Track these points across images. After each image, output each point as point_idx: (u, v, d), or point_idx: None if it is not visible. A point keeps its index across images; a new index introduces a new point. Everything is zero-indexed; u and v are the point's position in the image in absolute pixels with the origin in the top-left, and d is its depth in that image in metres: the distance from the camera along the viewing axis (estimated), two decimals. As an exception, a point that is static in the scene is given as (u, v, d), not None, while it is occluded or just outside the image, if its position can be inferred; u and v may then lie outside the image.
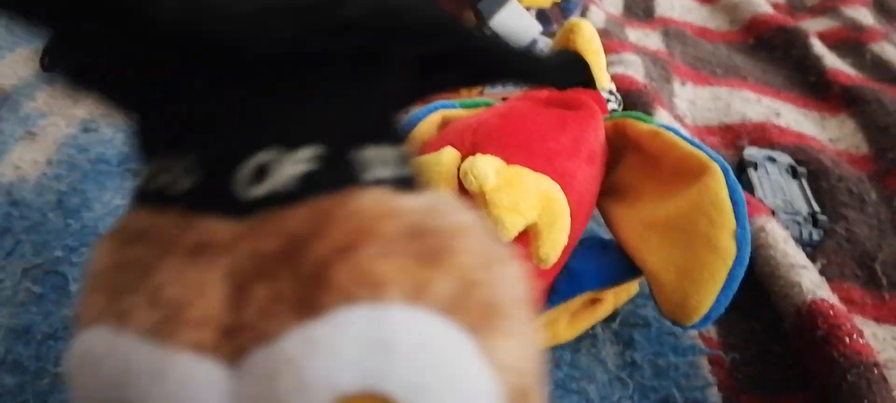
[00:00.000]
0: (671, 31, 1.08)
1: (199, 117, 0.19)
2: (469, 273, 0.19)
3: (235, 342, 0.17)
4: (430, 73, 0.22)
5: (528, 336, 0.20)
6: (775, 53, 1.03)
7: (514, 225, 0.40)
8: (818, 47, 1.00)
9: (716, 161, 0.45)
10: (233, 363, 0.17)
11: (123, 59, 0.20)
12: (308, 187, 0.19)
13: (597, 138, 0.50)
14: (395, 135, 0.21)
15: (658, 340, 0.52)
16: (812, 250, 0.63)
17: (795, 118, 0.85)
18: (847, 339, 0.46)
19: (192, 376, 0.17)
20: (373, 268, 0.17)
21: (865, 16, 1.17)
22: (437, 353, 0.18)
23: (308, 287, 0.17)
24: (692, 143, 0.47)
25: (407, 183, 0.20)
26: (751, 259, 0.55)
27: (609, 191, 0.51)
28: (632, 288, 0.54)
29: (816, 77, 0.94)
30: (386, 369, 0.17)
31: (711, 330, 0.54)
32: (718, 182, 0.44)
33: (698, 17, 1.18)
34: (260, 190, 0.18)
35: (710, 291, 0.42)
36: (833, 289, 0.58)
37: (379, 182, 0.19)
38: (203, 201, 0.19)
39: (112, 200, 0.58)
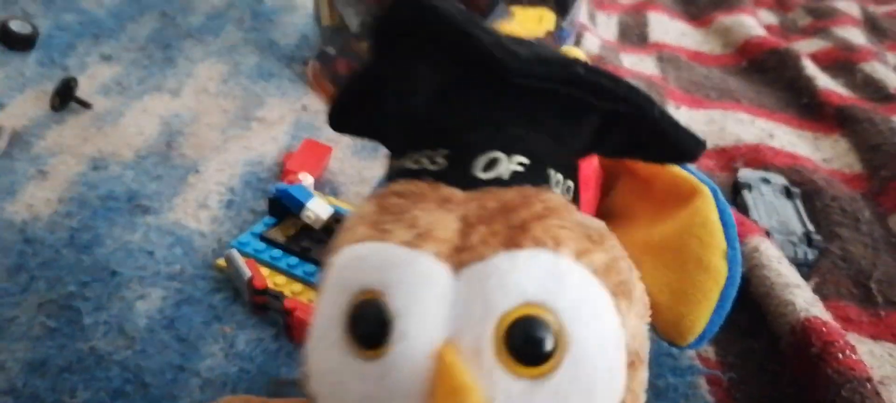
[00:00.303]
0: (665, 56, 1.10)
1: (451, 125, 0.30)
2: (616, 257, 0.29)
3: (461, 256, 0.26)
4: (605, 133, 0.31)
5: (644, 317, 0.30)
6: (768, 75, 1.05)
7: None
8: (810, 68, 1.02)
9: (706, 183, 0.46)
10: (458, 269, 0.26)
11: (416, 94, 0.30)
12: (518, 179, 0.29)
13: (590, 164, 0.52)
14: (570, 170, 0.31)
15: (657, 362, 0.53)
16: (807, 269, 0.64)
17: (789, 139, 0.86)
18: (840, 355, 0.48)
19: (431, 271, 0.26)
20: (556, 232, 0.27)
21: (856, 35, 1.19)
22: (589, 294, 0.26)
23: (513, 232, 0.26)
24: (683, 167, 0.49)
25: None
26: (746, 279, 0.57)
27: (605, 216, 0.52)
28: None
29: (809, 98, 0.96)
30: (557, 291, 0.25)
31: (709, 351, 0.55)
32: (708, 204, 0.45)
33: (692, 41, 1.20)
34: (488, 175, 0.28)
35: (703, 311, 0.43)
36: (829, 308, 0.60)
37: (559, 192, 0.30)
38: (449, 176, 0.29)
39: (122, 236, 0.60)
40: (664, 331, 0.45)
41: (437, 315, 0.25)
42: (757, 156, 0.80)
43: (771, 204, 0.69)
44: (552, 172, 0.30)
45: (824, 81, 0.99)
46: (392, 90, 0.31)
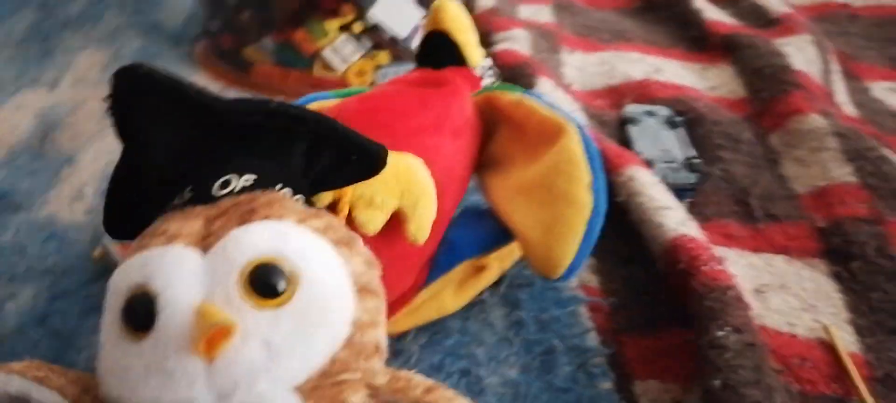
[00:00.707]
0: (562, 4, 1.10)
1: (190, 167, 0.36)
2: (332, 223, 0.36)
3: (206, 241, 0.32)
4: (314, 156, 0.38)
5: (368, 261, 0.36)
6: (660, 13, 1.07)
7: (373, 222, 0.42)
8: (699, 2, 1.04)
9: (571, 121, 0.47)
10: (205, 252, 0.32)
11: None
12: (248, 191, 0.35)
13: (462, 113, 0.52)
14: (299, 187, 0.37)
15: (542, 296, 0.54)
16: (691, 193, 0.66)
17: (676, 72, 0.88)
18: (704, 268, 0.49)
19: (183, 255, 0.32)
20: (280, 210, 0.34)
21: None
22: (311, 243, 0.33)
23: (244, 215, 0.33)
24: (551, 107, 0.49)
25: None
26: (623, 208, 0.59)
27: (485, 164, 0.53)
28: (515, 252, 0.56)
29: (697, 30, 0.98)
30: (283, 243, 0.32)
31: (592, 280, 0.56)
32: (573, 140, 0.46)
33: (588, -14, 1.21)
34: (223, 192, 0.35)
35: (571, 243, 0.44)
36: (711, 227, 0.62)
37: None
38: (194, 201, 0.35)
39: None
40: (537, 266, 0.46)
41: (192, 284, 0.31)
42: (644, 92, 0.82)
43: (654, 135, 0.71)
44: (279, 186, 0.36)
45: (711, 13, 1.01)
46: (138, 157, 0.37)
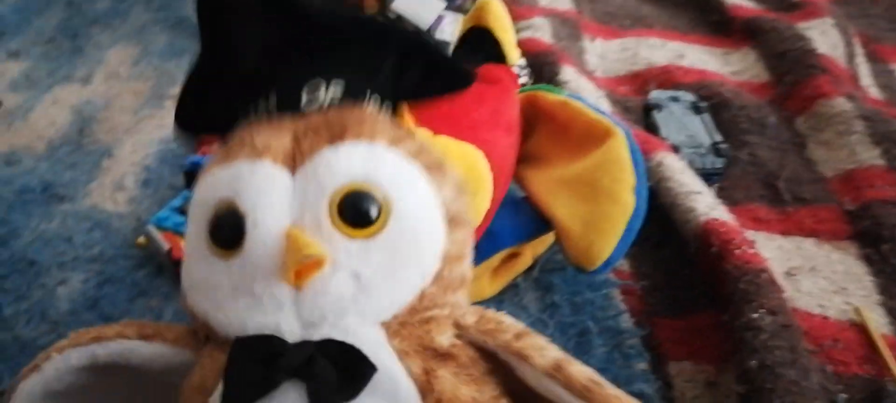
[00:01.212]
0: (582, -9, 1.11)
1: (277, 72, 0.35)
2: (424, 146, 0.34)
3: (296, 160, 0.32)
4: (404, 70, 0.38)
5: (458, 187, 0.35)
6: (681, -2, 1.07)
7: None
8: (720, -14, 1.04)
9: (619, 126, 0.49)
10: (293, 172, 0.32)
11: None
12: (337, 103, 0.34)
13: (513, 109, 0.53)
14: (386, 96, 0.37)
15: (574, 280, 0.55)
16: (718, 178, 0.67)
17: (700, 57, 0.89)
18: (737, 251, 0.50)
19: (272, 173, 0.31)
20: (371, 128, 0.33)
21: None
22: (403, 169, 0.32)
23: (335, 132, 0.32)
24: (598, 111, 0.51)
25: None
26: (653, 193, 0.59)
27: (524, 159, 0.55)
28: (548, 239, 0.57)
29: (719, 15, 0.98)
30: (375, 169, 0.32)
31: (624, 264, 0.57)
32: (621, 143, 0.48)
33: (608, -27, 1.21)
34: (312, 104, 0.34)
35: (610, 239, 0.46)
36: (740, 211, 0.62)
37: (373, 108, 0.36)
38: (281, 109, 0.34)
39: (39, 226, 0.60)
40: (575, 258, 0.47)
41: (280, 206, 0.31)
42: (668, 77, 0.82)
43: (679, 121, 0.72)
44: (367, 94, 0.35)
45: (734, -2, 1.01)
46: (224, 56, 0.36)
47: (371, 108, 0.35)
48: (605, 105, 0.76)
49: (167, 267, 0.55)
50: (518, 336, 0.32)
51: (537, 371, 0.30)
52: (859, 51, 0.89)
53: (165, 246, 0.54)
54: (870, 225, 0.59)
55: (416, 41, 0.37)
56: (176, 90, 0.79)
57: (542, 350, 0.31)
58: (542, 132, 0.54)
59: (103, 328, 0.34)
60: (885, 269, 0.56)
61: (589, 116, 0.50)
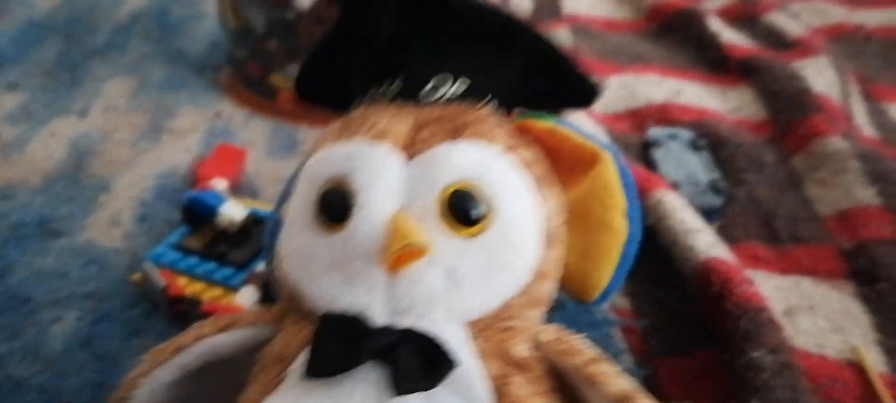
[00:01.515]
0: (579, 27, 1.12)
1: (406, 59, 0.36)
2: (538, 157, 0.36)
3: (413, 148, 0.33)
4: (528, 75, 0.38)
5: (559, 205, 0.36)
6: (677, 35, 1.08)
7: None
8: (715, 24, 1.05)
9: (606, 149, 0.48)
10: (409, 159, 0.32)
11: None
12: (460, 97, 0.35)
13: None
14: (504, 101, 0.37)
15: (574, 319, 0.55)
16: (716, 216, 0.67)
17: (697, 94, 0.89)
18: (737, 290, 0.50)
19: (387, 157, 0.32)
20: (489, 131, 0.33)
21: (759, -10, 1.23)
22: (514, 177, 0.33)
23: (455, 129, 0.33)
24: (585, 135, 0.51)
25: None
26: (653, 231, 0.59)
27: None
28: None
29: (715, 53, 0.99)
30: (488, 171, 0.32)
31: (624, 302, 0.57)
32: (609, 168, 0.47)
33: (604, 10, 1.22)
34: (436, 94, 0.35)
35: (607, 268, 0.45)
36: (738, 249, 0.62)
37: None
38: (404, 96, 0.35)
39: (34, 261, 0.59)
40: (572, 291, 0.47)
41: (391, 190, 0.31)
42: (666, 114, 0.83)
43: (678, 159, 0.72)
44: (488, 96, 0.36)
45: (729, 35, 1.02)
46: (359, 34, 0.37)
47: (490, 110, 0.36)
48: (604, 139, 0.76)
49: (162, 305, 0.54)
50: (592, 360, 0.32)
51: (606, 398, 0.30)
52: (854, 90, 0.90)
53: (161, 283, 0.53)
54: (866, 264, 0.59)
55: (547, 48, 0.37)
56: (174, 124, 0.80)
57: (614, 378, 0.31)
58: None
59: (180, 336, 0.35)
60: (882, 308, 0.56)
61: (576, 141, 0.50)
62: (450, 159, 0.32)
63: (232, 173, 0.69)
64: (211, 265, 0.57)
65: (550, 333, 0.33)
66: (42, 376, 0.49)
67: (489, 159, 0.33)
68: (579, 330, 0.53)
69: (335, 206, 0.32)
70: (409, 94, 0.35)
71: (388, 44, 0.36)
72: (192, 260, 0.57)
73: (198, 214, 0.60)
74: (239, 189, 0.69)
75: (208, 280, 0.56)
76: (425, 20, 0.36)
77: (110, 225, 0.64)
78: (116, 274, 0.58)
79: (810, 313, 0.56)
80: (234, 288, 0.55)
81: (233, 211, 0.59)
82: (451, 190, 0.31)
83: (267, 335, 0.34)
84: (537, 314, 0.34)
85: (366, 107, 0.35)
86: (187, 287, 0.55)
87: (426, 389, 0.28)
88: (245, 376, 0.34)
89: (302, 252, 0.32)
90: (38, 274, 0.58)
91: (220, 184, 0.64)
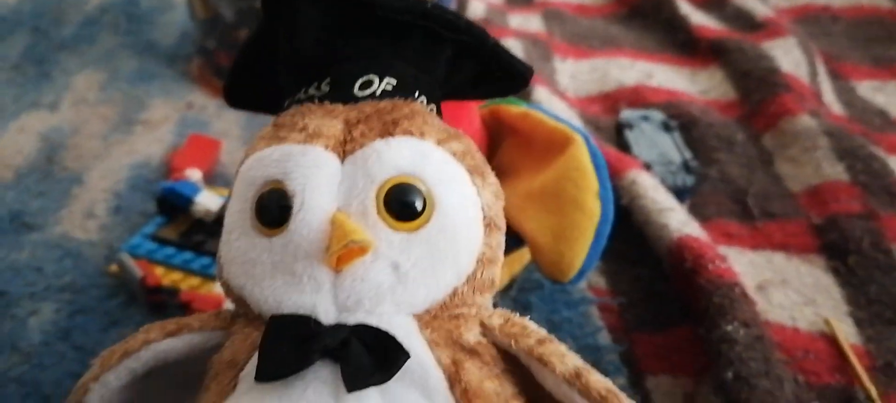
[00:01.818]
0: (550, 13, 1.13)
1: (333, 59, 0.36)
2: (470, 147, 0.35)
3: (346, 147, 0.33)
4: (457, 63, 0.38)
5: (497, 193, 0.36)
6: (647, 19, 1.09)
7: None
8: (684, 7, 1.06)
9: (578, 131, 0.49)
10: (343, 157, 0.32)
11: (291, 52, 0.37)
12: (389, 96, 0.35)
13: (470, 125, 0.53)
14: (433, 96, 0.37)
15: (552, 298, 0.55)
16: (689, 194, 0.68)
17: (668, 76, 0.90)
18: (710, 266, 0.51)
19: (322, 157, 0.32)
20: (421, 126, 0.34)
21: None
22: (449, 169, 0.33)
23: (386, 126, 0.33)
24: (557, 119, 0.51)
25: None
26: (627, 210, 0.60)
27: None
28: (524, 256, 0.58)
29: (685, 35, 1.00)
30: (423, 165, 0.32)
31: (600, 282, 0.58)
32: (581, 150, 0.48)
33: (575, -5, 1.23)
34: (364, 93, 0.35)
35: (580, 248, 0.46)
36: (710, 227, 0.63)
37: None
38: (333, 97, 0.35)
39: (8, 255, 0.59)
40: (548, 271, 0.47)
41: (328, 190, 0.31)
42: (638, 97, 0.84)
43: (651, 140, 0.73)
44: (417, 93, 0.36)
45: (698, 18, 1.04)
46: (282, 37, 0.37)
47: (421, 104, 0.36)
48: (578, 123, 0.77)
49: (140, 295, 0.54)
50: (541, 341, 0.32)
51: (557, 377, 0.31)
52: (822, 69, 0.91)
53: (138, 273, 0.53)
54: (836, 238, 0.61)
55: (478, 35, 0.37)
56: (146, 115, 0.79)
57: (563, 357, 0.31)
58: (507, 145, 0.54)
59: (127, 341, 0.34)
60: (852, 281, 0.57)
61: (548, 125, 0.50)
62: (384, 155, 0.32)
63: (206, 163, 0.68)
64: (188, 254, 0.57)
65: (498, 317, 0.33)
66: (21, 368, 0.49)
67: (423, 153, 0.33)
68: (557, 311, 0.55)
69: (273, 209, 0.32)
70: (340, 95, 0.35)
71: (314, 45, 0.36)
72: (169, 251, 0.57)
73: (173, 204, 0.60)
74: (213, 179, 0.69)
75: (186, 269, 0.55)
76: (349, 18, 0.36)
77: (85, 217, 0.63)
78: (92, 266, 0.58)
79: (783, 287, 0.58)
80: (212, 277, 0.55)
81: (208, 201, 0.59)
82: (389, 185, 0.32)
83: (217, 339, 0.34)
84: (484, 299, 0.34)
85: (295, 110, 0.35)
86: (165, 277, 0.54)
87: (380, 382, 0.28)
88: (196, 377, 0.34)
89: (243, 257, 0.32)
90: (13, 269, 0.57)
91: (194, 174, 0.64)
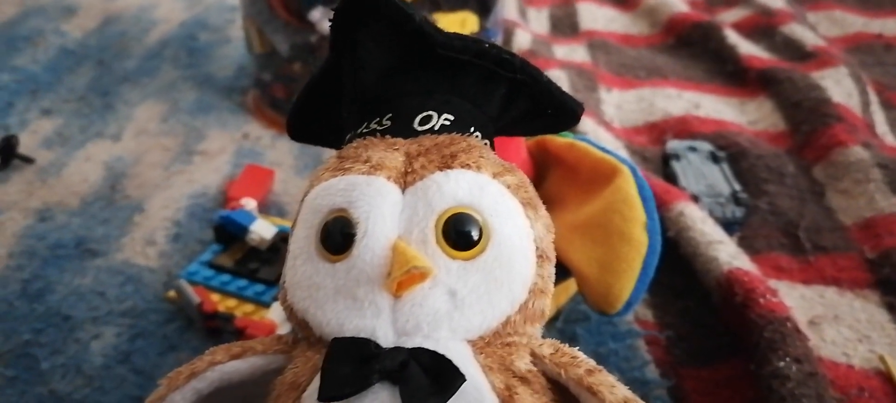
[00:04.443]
0: (596, 43, 1.13)
1: (394, 94, 0.38)
2: (523, 181, 0.37)
3: (407, 178, 0.35)
4: (511, 100, 0.40)
5: (548, 225, 0.38)
6: (694, 49, 1.09)
7: None
8: (732, 37, 1.06)
9: (624, 163, 0.50)
10: (404, 188, 0.34)
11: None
12: (446, 129, 0.37)
13: (518, 156, 0.54)
14: (487, 132, 0.39)
15: (598, 330, 0.56)
16: (738, 227, 0.67)
17: (715, 107, 0.90)
18: (761, 300, 0.51)
19: (385, 188, 0.34)
20: (477, 159, 0.35)
21: (777, 1, 1.24)
22: (504, 200, 0.35)
23: (445, 159, 0.35)
24: (603, 150, 0.52)
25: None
26: (675, 243, 0.60)
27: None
28: (570, 287, 0.58)
29: (733, 65, 1.00)
30: (480, 196, 0.34)
31: (648, 314, 0.58)
32: (628, 182, 0.48)
33: (621, 25, 1.24)
34: (423, 128, 0.37)
35: (628, 280, 0.46)
36: (761, 260, 0.63)
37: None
38: (393, 131, 0.37)
39: (73, 281, 0.61)
40: (595, 302, 0.48)
41: (390, 219, 0.33)
42: (685, 127, 0.84)
43: (698, 171, 0.73)
44: (473, 128, 0.38)
45: (747, 48, 1.03)
46: (347, 73, 0.39)
47: (476, 140, 0.38)
48: (626, 155, 0.77)
49: (197, 321, 0.56)
50: (590, 371, 0.33)
51: None
52: (874, 99, 0.90)
53: (196, 299, 0.55)
54: (890, 272, 0.60)
55: (531, 73, 0.39)
56: (204, 146, 0.82)
57: (613, 388, 0.32)
58: (553, 175, 0.55)
59: (194, 362, 0.36)
60: (908, 317, 0.56)
61: (595, 156, 0.51)
62: (444, 187, 0.34)
63: (260, 192, 0.71)
64: (243, 282, 0.58)
65: (549, 347, 0.35)
66: (84, 391, 0.51)
67: (480, 185, 0.34)
68: (603, 343, 0.55)
69: (337, 236, 0.33)
70: (399, 129, 0.37)
71: (376, 81, 0.38)
72: (225, 278, 0.59)
73: (229, 233, 0.62)
74: (267, 208, 0.71)
75: (241, 296, 0.57)
76: (410, 56, 0.38)
77: (145, 244, 0.66)
78: (152, 292, 0.60)
79: (835, 322, 0.57)
80: (265, 304, 0.56)
81: (263, 229, 0.61)
82: (447, 215, 0.33)
83: (279, 362, 0.35)
84: (535, 329, 0.36)
85: (359, 143, 0.37)
86: (221, 303, 0.56)
87: None
88: (256, 398, 0.36)
89: (308, 282, 0.34)
90: (77, 293, 0.60)
91: (249, 204, 0.66)
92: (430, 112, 0.38)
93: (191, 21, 1.15)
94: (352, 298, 0.32)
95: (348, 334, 0.32)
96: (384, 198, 0.34)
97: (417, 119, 0.37)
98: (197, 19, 1.16)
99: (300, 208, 0.37)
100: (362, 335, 0.32)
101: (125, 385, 0.51)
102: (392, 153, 0.35)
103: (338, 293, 0.33)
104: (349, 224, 0.33)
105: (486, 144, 0.38)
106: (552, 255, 0.37)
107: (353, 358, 0.31)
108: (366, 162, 0.35)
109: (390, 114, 0.38)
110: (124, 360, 0.53)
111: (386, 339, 0.32)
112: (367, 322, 0.32)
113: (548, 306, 0.37)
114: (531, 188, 0.38)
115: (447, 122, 0.37)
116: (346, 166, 0.36)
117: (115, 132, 0.85)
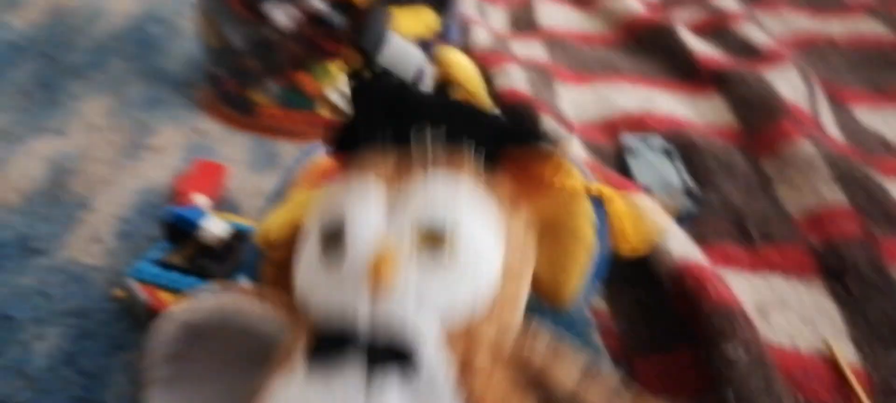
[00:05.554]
0: (554, 41, 1.14)
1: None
2: (500, 196, 0.40)
3: (393, 182, 0.39)
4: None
5: (520, 226, 0.41)
6: (649, 48, 1.10)
7: None
8: (686, 36, 1.08)
9: (572, 162, 0.50)
10: (391, 189, 0.39)
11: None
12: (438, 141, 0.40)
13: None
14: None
15: (553, 321, 0.56)
16: (689, 219, 0.68)
17: (669, 104, 0.91)
18: (711, 289, 0.51)
19: (372, 194, 0.39)
20: (459, 168, 0.39)
21: (729, 2, 1.26)
22: (478, 208, 0.39)
23: (427, 166, 0.39)
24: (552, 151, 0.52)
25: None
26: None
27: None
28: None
29: (686, 63, 1.01)
30: (455, 203, 0.38)
31: (602, 304, 0.58)
32: (576, 179, 0.49)
33: (578, 24, 1.24)
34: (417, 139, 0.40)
35: (576, 275, 0.47)
36: (711, 250, 0.64)
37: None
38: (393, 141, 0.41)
39: (14, 280, 0.59)
40: (547, 298, 0.48)
41: (375, 222, 0.38)
42: (639, 123, 0.85)
43: (651, 165, 0.74)
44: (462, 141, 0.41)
45: (700, 46, 1.05)
46: (361, 129, 0.44)
47: (462, 151, 0.41)
48: (579, 149, 0.78)
49: (145, 320, 0.54)
50: (551, 352, 0.37)
51: (568, 375, 0.37)
52: (821, 96, 0.92)
53: (144, 298, 0.54)
54: (835, 261, 0.61)
55: (526, 133, 0.44)
56: (153, 140, 0.80)
57: (573, 358, 0.37)
58: (505, 176, 0.55)
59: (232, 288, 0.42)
60: (851, 303, 0.58)
61: (544, 157, 0.51)
62: (422, 189, 0.38)
63: (212, 188, 0.69)
64: (193, 279, 0.57)
65: (513, 338, 0.38)
66: (25, 393, 0.49)
67: (456, 191, 0.39)
68: (558, 333, 0.55)
69: (332, 243, 0.38)
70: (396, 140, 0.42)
71: (387, 136, 0.42)
72: (175, 276, 0.57)
73: (179, 230, 0.60)
74: (220, 204, 0.70)
75: (191, 294, 0.56)
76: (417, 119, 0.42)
77: (91, 242, 0.64)
78: (98, 291, 0.58)
79: (782, 309, 0.58)
80: (216, 301, 0.55)
81: (214, 226, 0.60)
82: (423, 216, 0.37)
83: (279, 329, 0.40)
84: (501, 323, 0.38)
85: (358, 152, 0.42)
86: (170, 302, 0.55)
87: (402, 380, 0.34)
88: (239, 356, 0.41)
89: (311, 282, 0.39)
90: (19, 293, 0.58)
91: (200, 200, 0.65)
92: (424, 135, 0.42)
93: (140, 13, 1.12)
94: (341, 293, 0.37)
95: (336, 320, 0.37)
96: (370, 203, 0.38)
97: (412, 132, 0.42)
98: (147, 11, 1.13)
99: (310, 216, 0.42)
100: (346, 321, 0.36)
101: (70, 387, 0.50)
102: (385, 159, 0.40)
103: (331, 288, 0.38)
104: (343, 232, 0.38)
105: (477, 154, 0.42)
106: (521, 268, 0.41)
107: (338, 338, 0.36)
108: (361, 166, 0.41)
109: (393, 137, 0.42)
110: (69, 361, 0.52)
111: (364, 326, 0.36)
112: (349, 312, 0.36)
113: (517, 317, 0.40)
114: (505, 193, 0.41)
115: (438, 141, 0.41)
116: (345, 173, 0.41)
117: (59, 127, 0.83)
